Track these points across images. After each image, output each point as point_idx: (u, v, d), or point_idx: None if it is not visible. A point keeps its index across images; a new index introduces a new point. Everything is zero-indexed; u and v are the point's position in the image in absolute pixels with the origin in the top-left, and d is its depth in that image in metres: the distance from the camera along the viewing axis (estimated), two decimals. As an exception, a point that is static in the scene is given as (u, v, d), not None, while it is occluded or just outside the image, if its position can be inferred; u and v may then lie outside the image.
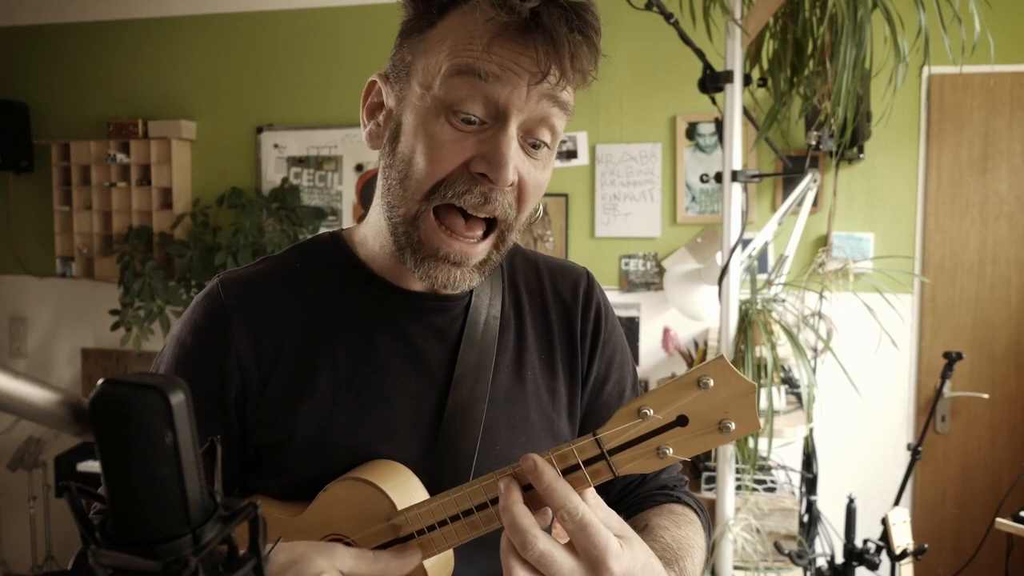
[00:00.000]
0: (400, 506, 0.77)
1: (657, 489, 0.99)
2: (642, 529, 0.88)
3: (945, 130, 2.94)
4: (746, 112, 2.00)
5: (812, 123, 2.31)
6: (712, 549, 1.88)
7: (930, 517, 3.00)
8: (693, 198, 3.11)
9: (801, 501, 2.39)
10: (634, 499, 0.98)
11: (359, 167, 3.36)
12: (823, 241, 2.97)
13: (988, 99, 2.91)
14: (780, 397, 2.29)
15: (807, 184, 2.48)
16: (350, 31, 3.34)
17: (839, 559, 2.25)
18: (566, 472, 0.71)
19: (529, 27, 0.73)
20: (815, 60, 1.81)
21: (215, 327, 0.85)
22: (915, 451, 2.36)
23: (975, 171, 2.93)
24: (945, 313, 2.98)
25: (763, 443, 1.86)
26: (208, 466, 0.41)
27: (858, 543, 2.18)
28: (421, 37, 0.79)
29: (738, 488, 2.04)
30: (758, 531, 1.96)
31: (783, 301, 2.06)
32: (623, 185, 3.14)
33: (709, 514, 1.04)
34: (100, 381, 0.39)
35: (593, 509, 0.69)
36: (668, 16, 1.75)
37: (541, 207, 3.19)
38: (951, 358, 2.42)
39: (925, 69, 2.85)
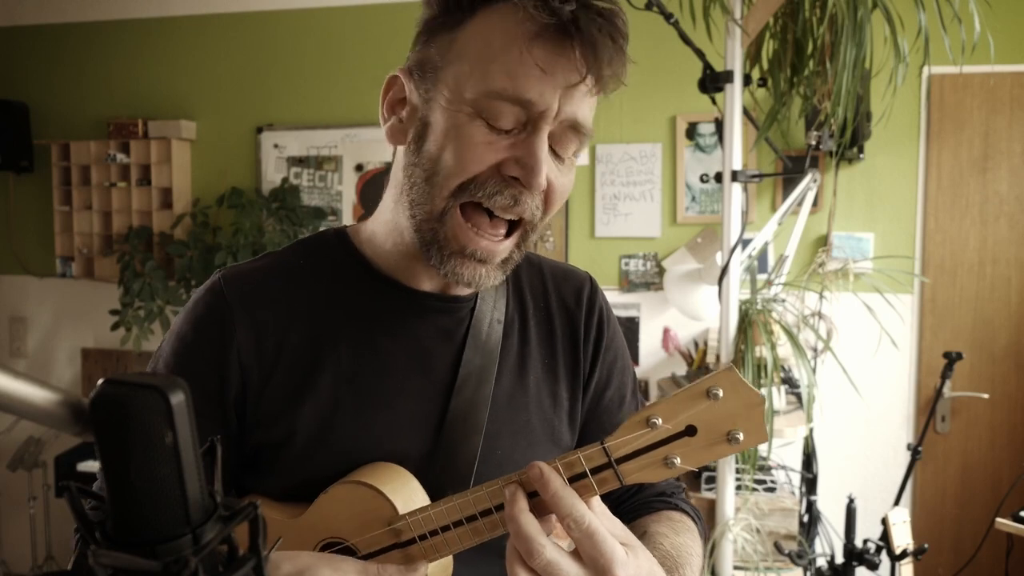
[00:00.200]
0: (402, 510, 0.77)
1: (655, 496, 0.99)
2: (641, 536, 0.87)
3: (945, 130, 2.94)
4: (746, 112, 2.00)
5: (812, 123, 2.31)
6: (712, 549, 1.88)
7: (930, 517, 3.00)
8: (693, 198, 3.11)
9: (801, 501, 2.39)
10: (631, 505, 0.98)
11: (359, 167, 3.36)
12: (823, 241, 2.97)
13: (988, 99, 2.91)
14: (780, 397, 2.29)
15: (807, 184, 2.48)
16: (350, 31, 3.34)
17: (839, 559, 2.25)
18: (572, 480, 0.70)
19: (568, 31, 0.73)
20: (815, 60, 1.81)
21: (217, 323, 0.83)
22: (915, 451, 2.36)
23: (975, 171, 2.93)
24: (945, 313, 2.98)
25: (763, 443, 1.85)
26: (208, 466, 0.41)
27: (858, 543, 2.18)
28: (451, 38, 0.78)
29: (738, 488, 2.04)
30: (758, 531, 1.96)
31: (783, 301, 2.06)
32: (623, 185, 3.14)
33: (706, 518, 1.05)
34: (100, 381, 0.39)
35: (599, 517, 0.69)
36: (668, 16, 1.75)
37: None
38: (951, 358, 2.42)
39: (925, 69, 2.85)
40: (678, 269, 2.83)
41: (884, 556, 2.09)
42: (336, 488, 0.80)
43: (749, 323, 1.87)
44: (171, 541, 0.39)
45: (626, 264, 3.16)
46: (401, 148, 0.83)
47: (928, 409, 2.64)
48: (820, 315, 2.53)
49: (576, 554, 0.67)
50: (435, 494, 0.83)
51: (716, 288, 1.92)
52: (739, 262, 1.92)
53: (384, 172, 3.32)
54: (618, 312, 3.16)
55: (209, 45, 3.47)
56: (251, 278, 0.87)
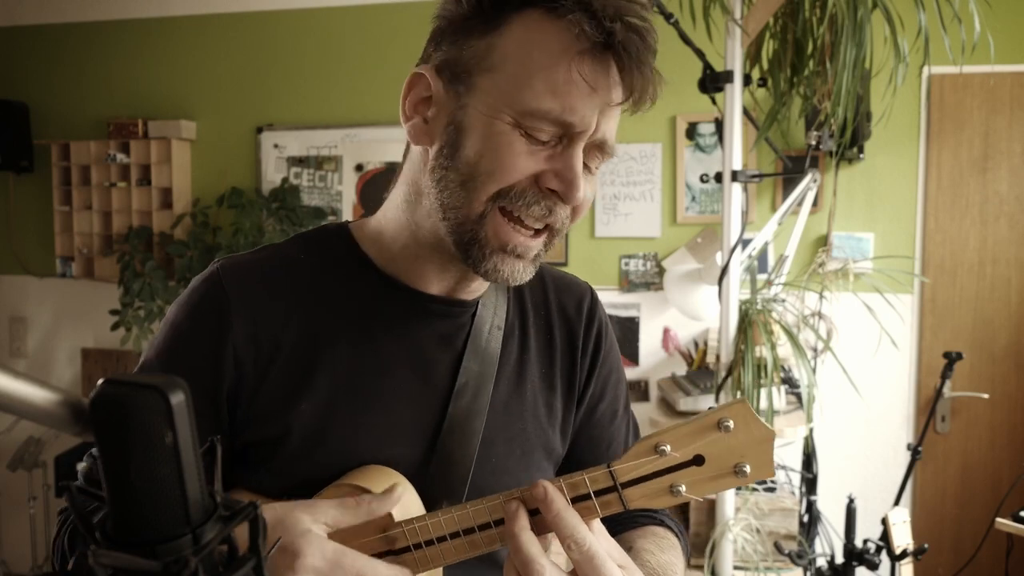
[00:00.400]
0: (397, 517, 0.76)
1: (640, 509, 0.99)
2: (627, 551, 0.88)
3: (945, 130, 2.94)
4: (746, 112, 2.00)
5: (812, 123, 2.31)
6: (712, 549, 1.88)
7: (930, 517, 3.00)
8: (693, 198, 3.11)
9: (801, 501, 2.39)
10: (616, 518, 0.99)
11: (359, 167, 3.36)
12: (823, 241, 2.97)
13: (988, 99, 2.91)
14: (780, 397, 2.29)
15: (807, 184, 2.48)
16: (350, 31, 3.34)
17: (839, 559, 2.25)
18: (575, 500, 0.70)
19: (615, 51, 0.73)
20: (815, 60, 1.81)
21: (214, 314, 0.82)
22: (915, 451, 2.36)
23: (975, 171, 2.93)
24: (945, 313, 2.98)
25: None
26: (208, 466, 0.41)
27: (858, 543, 2.18)
28: (487, 43, 0.76)
29: (738, 488, 2.04)
30: (758, 531, 1.96)
31: (783, 301, 2.06)
32: (623, 185, 3.14)
33: (706, 518, 1.05)
34: (100, 381, 0.39)
35: (597, 538, 0.70)
36: (668, 16, 1.75)
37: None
38: (951, 358, 2.42)
39: (925, 69, 2.85)
40: (678, 269, 2.83)
41: (884, 556, 2.09)
42: (330, 491, 0.79)
43: (749, 323, 1.87)
44: (171, 541, 0.39)
45: (626, 264, 3.16)
46: (419, 148, 0.82)
47: (928, 409, 2.64)
48: (820, 315, 2.53)
49: (574, 574, 0.68)
50: (429, 500, 0.82)
51: (716, 288, 1.92)
52: (739, 262, 1.92)
53: (384, 172, 3.32)
54: (618, 312, 3.16)
55: (209, 45, 3.47)
56: (250, 270, 0.85)
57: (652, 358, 3.15)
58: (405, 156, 0.87)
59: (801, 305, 2.38)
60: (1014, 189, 2.91)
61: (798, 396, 2.44)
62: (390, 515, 0.76)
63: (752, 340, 1.86)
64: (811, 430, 2.31)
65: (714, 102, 1.87)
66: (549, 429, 0.93)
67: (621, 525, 0.96)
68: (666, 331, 3.08)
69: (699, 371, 2.69)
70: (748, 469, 0.67)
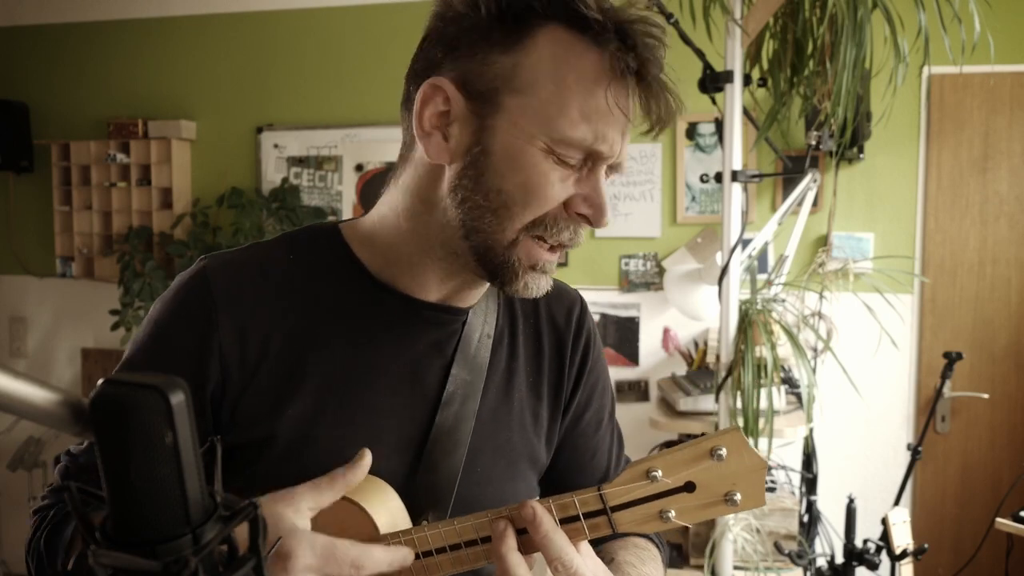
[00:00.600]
0: (383, 529, 0.75)
1: None
2: (608, 563, 0.87)
3: (945, 130, 2.94)
4: (746, 112, 2.00)
5: (812, 123, 2.31)
6: (712, 549, 1.88)
7: (930, 517, 3.00)
8: (693, 198, 3.11)
9: (801, 501, 2.39)
10: None
11: (359, 167, 3.36)
12: (823, 241, 2.97)
13: (988, 99, 2.91)
14: (780, 397, 2.29)
15: (807, 184, 2.48)
16: (350, 31, 3.34)
17: (839, 559, 2.25)
18: (564, 521, 0.71)
19: (644, 77, 0.74)
20: (815, 60, 1.81)
21: (200, 316, 0.80)
22: (915, 451, 2.36)
23: (975, 171, 2.93)
24: (945, 313, 2.98)
25: (763, 443, 1.86)
26: (208, 466, 0.41)
27: (858, 543, 2.18)
28: (513, 62, 0.74)
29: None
30: (758, 531, 1.96)
31: (783, 301, 2.06)
32: (623, 185, 3.13)
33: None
34: (100, 381, 0.39)
35: (584, 559, 0.70)
36: (668, 16, 1.75)
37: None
38: (951, 358, 2.42)
39: (925, 69, 2.85)
40: (678, 269, 2.83)
41: (884, 556, 2.09)
42: None
43: (749, 323, 1.87)
44: (171, 541, 0.39)
45: (626, 264, 3.16)
46: (427, 159, 0.79)
47: (928, 409, 2.64)
48: (820, 315, 2.53)
49: None
50: (415, 509, 0.82)
51: (716, 288, 1.92)
52: (739, 262, 1.92)
53: (384, 172, 3.32)
54: (618, 312, 3.16)
55: (209, 45, 3.47)
56: (238, 269, 0.83)
57: (652, 358, 3.15)
58: (403, 160, 0.84)
59: (801, 305, 2.38)
60: (1014, 189, 2.91)
61: (798, 396, 2.44)
62: (376, 527, 0.75)
63: (752, 340, 1.86)
64: (811, 430, 2.31)
65: (714, 102, 1.87)
66: (534, 438, 0.92)
67: None
68: (666, 331, 3.08)
69: (699, 371, 2.69)
70: (739, 498, 0.68)
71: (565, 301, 0.97)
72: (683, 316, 2.89)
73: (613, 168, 0.80)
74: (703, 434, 0.72)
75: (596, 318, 3.18)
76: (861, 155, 2.90)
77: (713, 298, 2.30)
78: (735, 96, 1.83)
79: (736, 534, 1.89)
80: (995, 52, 1.90)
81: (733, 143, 1.85)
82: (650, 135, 0.78)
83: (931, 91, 2.93)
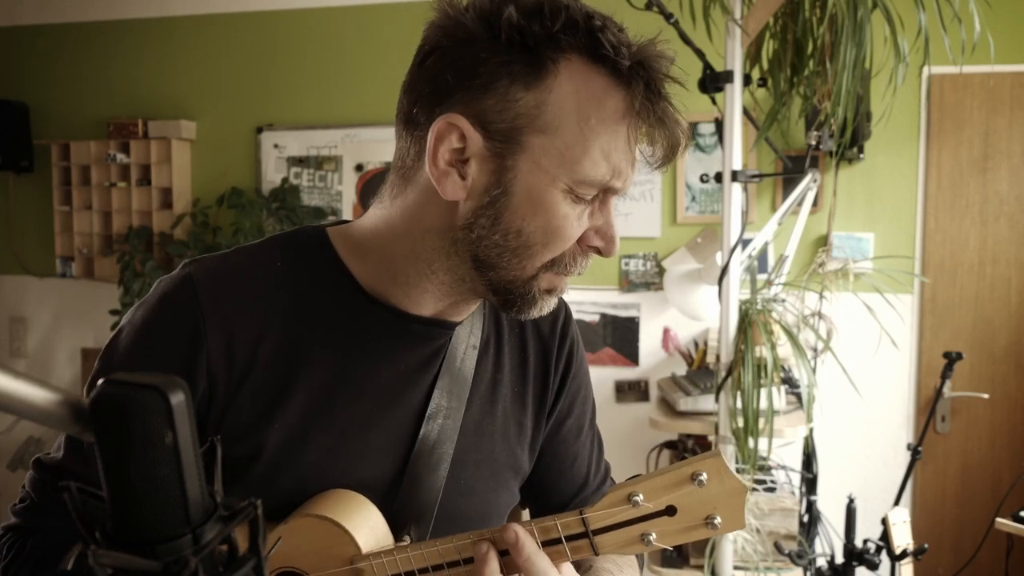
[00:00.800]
0: (365, 549, 0.75)
1: None
2: (586, 571, 0.88)
3: (945, 130, 2.94)
4: (746, 112, 2.00)
5: (812, 123, 2.31)
6: (712, 549, 1.88)
7: (930, 517, 3.00)
8: (693, 198, 3.11)
9: (801, 501, 2.39)
10: None
11: (359, 167, 3.36)
12: (823, 241, 2.97)
13: (988, 99, 2.91)
14: (780, 397, 2.29)
15: (807, 184, 2.48)
16: (350, 31, 3.34)
17: (839, 559, 2.25)
18: (546, 544, 0.72)
19: (661, 118, 0.74)
20: (815, 60, 1.81)
21: (187, 325, 0.77)
22: (915, 451, 2.36)
23: (975, 171, 2.93)
24: (945, 313, 2.98)
25: (763, 443, 1.86)
26: (208, 466, 0.41)
27: (858, 543, 2.18)
28: (536, 100, 0.71)
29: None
30: (758, 531, 1.96)
31: (783, 301, 2.06)
32: (623, 185, 3.13)
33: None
34: (100, 381, 0.39)
35: None
36: (668, 16, 1.75)
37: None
38: (951, 358, 2.41)
39: (925, 69, 2.85)
40: (678, 269, 2.83)
41: (884, 556, 2.09)
42: (298, 520, 0.77)
43: (749, 323, 1.87)
44: (171, 541, 0.39)
45: (626, 264, 3.16)
46: (434, 189, 0.76)
47: (928, 409, 2.64)
48: (820, 315, 2.53)
49: None
50: (397, 524, 0.82)
51: (716, 288, 1.92)
52: (739, 262, 1.92)
53: (384, 172, 3.32)
54: (618, 312, 3.16)
55: (209, 45, 3.47)
56: (226, 277, 0.80)
57: (652, 358, 3.15)
58: (402, 178, 0.80)
59: (801, 305, 2.38)
60: (1014, 189, 2.91)
61: (798, 396, 2.44)
62: (358, 546, 0.75)
63: (752, 340, 1.86)
64: (811, 430, 2.31)
65: (714, 102, 1.87)
66: (517, 448, 0.92)
67: None
68: (666, 331, 3.08)
69: (699, 371, 2.69)
70: (719, 521, 0.69)
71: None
72: (683, 316, 2.89)
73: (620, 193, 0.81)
74: (703, 447, 0.73)
75: (596, 318, 3.18)
76: (861, 155, 2.90)
77: (713, 298, 2.30)
78: (735, 96, 1.83)
79: (736, 534, 1.89)
80: (995, 52, 1.90)
81: (733, 143, 1.85)
82: (661, 168, 0.78)
83: (931, 91, 2.93)
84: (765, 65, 1.94)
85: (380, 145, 3.31)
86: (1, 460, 3.53)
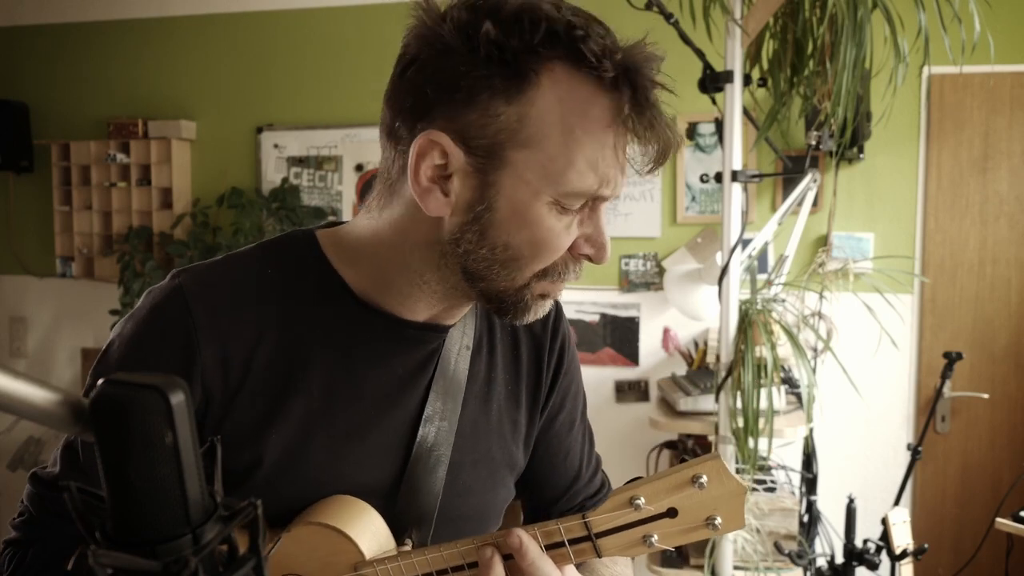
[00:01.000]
0: (368, 555, 0.76)
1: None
2: (580, 565, 0.88)
3: (945, 130, 2.94)
4: (746, 112, 2.00)
5: (812, 123, 2.31)
6: (712, 549, 1.88)
7: (930, 517, 3.00)
8: (693, 198, 3.11)
9: (801, 501, 2.39)
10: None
11: (359, 167, 3.36)
12: (823, 241, 2.97)
13: (988, 99, 2.91)
14: (780, 397, 2.29)
15: (807, 184, 2.48)
16: (350, 31, 3.34)
17: (839, 559, 2.25)
18: (550, 547, 0.73)
19: (650, 123, 0.72)
20: (815, 60, 1.81)
21: (180, 336, 0.76)
22: (915, 451, 2.36)
23: (975, 171, 2.93)
24: (945, 313, 2.98)
25: (763, 443, 1.86)
26: (208, 466, 0.41)
27: (858, 543, 2.18)
28: (517, 113, 0.69)
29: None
30: (758, 531, 1.96)
31: (783, 301, 2.06)
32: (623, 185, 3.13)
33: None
34: (100, 381, 0.39)
35: None
36: (668, 16, 1.75)
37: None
38: (951, 358, 2.41)
39: (925, 69, 2.85)
40: (678, 269, 2.83)
41: (884, 556, 2.09)
42: (300, 528, 0.77)
43: (749, 323, 1.87)
44: (171, 541, 0.39)
45: (626, 264, 3.16)
46: (417, 203, 0.75)
47: (928, 409, 2.64)
48: (820, 315, 2.53)
49: None
50: (398, 526, 0.82)
51: (716, 288, 1.92)
52: (739, 262, 1.92)
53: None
54: (618, 312, 3.16)
55: (209, 45, 3.46)
56: (217, 286, 0.79)
57: (652, 358, 3.15)
58: (388, 190, 0.79)
59: (801, 305, 2.38)
60: (1014, 189, 2.91)
61: (798, 396, 2.44)
62: (361, 553, 0.76)
63: (752, 340, 1.86)
64: (811, 430, 2.31)
65: (714, 102, 1.87)
66: (512, 445, 0.93)
67: None
68: (666, 331, 3.08)
69: (699, 371, 2.69)
70: (719, 522, 0.70)
71: None
72: (683, 316, 2.89)
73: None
74: (703, 447, 0.74)
75: (596, 318, 3.18)
76: (861, 155, 2.90)
77: (713, 298, 2.30)
78: (735, 96, 1.83)
79: (736, 534, 1.89)
80: (995, 52, 1.90)
81: (733, 143, 1.85)
82: (652, 173, 0.77)
83: (931, 91, 2.93)
84: (765, 65, 1.94)
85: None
86: (1, 460, 3.53)
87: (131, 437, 0.38)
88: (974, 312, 2.96)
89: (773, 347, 1.85)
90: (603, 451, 1.09)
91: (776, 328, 1.92)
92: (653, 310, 3.14)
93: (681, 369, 2.85)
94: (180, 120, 3.41)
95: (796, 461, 2.52)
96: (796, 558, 2.10)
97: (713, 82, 1.83)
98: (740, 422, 1.86)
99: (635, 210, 3.13)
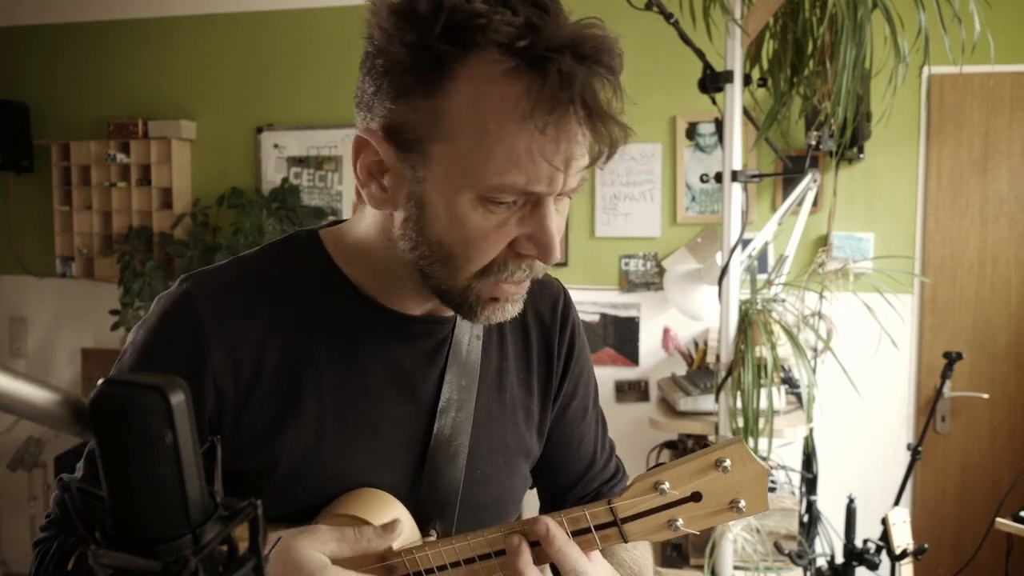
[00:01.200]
0: (395, 546, 0.77)
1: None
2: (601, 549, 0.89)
3: (945, 130, 2.94)
4: (746, 112, 2.00)
5: (812, 123, 2.31)
6: (712, 549, 1.88)
7: (930, 517, 3.00)
8: (693, 198, 3.11)
9: (801, 501, 2.39)
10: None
11: (359, 167, 3.35)
12: (823, 241, 2.97)
13: (988, 99, 2.91)
14: (780, 397, 2.29)
15: (807, 184, 2.48)
16: (350, 31, 3.33)
17: (839, 559, 2.25)
18: (576, 534, 0.74)
19: (578, 105, 0.65)
20: (815, 60, 1.81)
21: (189, 341, 0.77)
22: (915, 451, 2.36)
23: (975, 171, 2.93)
24: (945, 313, 2.98)
25: (763, 443, 1.86)
26: (208, 466, 0.41)
27: (858, 543, 2.18)
28: (434, 106, 0.68)
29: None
30: (758, 531, 1.96)
31: (783, 301, 2.06)
32: (623, 185, 3.13)
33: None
34: (100, 381, 0.39)
35: (596, 567, 0.73)
36: (668, 16, 1.75)
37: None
38: (951, 358, 2.42)
39: (925, 69, 2.85)
40: (678, 269, 2.82)
41: (884, 556, 2.09)
42: (326, 521, 0.78)
43: (749, 323, 1.87)
44: (171, 541, 0.39)
45: (626, 264, 3.16)
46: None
47: (928, 409, 2.64)
48: (820, 315, 2.53)
49: None
50: (421, 519, 0.83)
51: (716, 288, 1.92)
52: (739, 262, 1.92)
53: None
54: (618, 312, 3.16)
55: (209, 45, 3.46)
56: (224, 290, 0.80)
57: (652, 358, 3.15)
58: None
59: (801, 305, 2.39)
60: (1014, 189, 2.91)
61: (798, 396, 2.44)
62: (389, 545, 0.77)
63: (752, 340, 1.86)
64: (811, 430, 2.31)
65: (714, 102, 1.87)
66: (527, 433, 0.93)
67: None
68: (666, 331, 3.08)
69: (699, 371, 2.69)
70: (743, 505, 0.71)
71: (549, 294, 0.97)
72: (683, 316, 2.89)
73: (569, 194, 0.74)
74: (703, 446, 0.74)
75: (596, 318, 3.18)
76: (861, 155, 2.90)
77: (713, 298, 2.30)
78: (735, 96, 1.83)
79: (736, 534, 1.89)
80: (995, 52, 1.90)
81: (733, 143, 1.85)
82: (593, 167, 0.71)
83: (931, 91, 2.93)
84: (765, 65, 1.94)
85: (380, 145, 3.31)
86: (1, 460, 3.53)
87: (131, 437, 0.38)
88: (974, 312, 2.96)
89: (773, 347, 1.85)
90: (603, 451, 1.09)
91: (776, 328, 1.92)
92: (653, 310, 3.14)
93: (681, 369, 2.85)
94: (180, 120, 3.41)
95: (796, 461, 2.52)
96: (796, 558, 2.10)
97: (713, 82, 1.83)
98: (740, 422, 1.86)
99: (635, 210, 3.13)
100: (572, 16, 0.69)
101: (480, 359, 0.88)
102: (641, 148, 3.12)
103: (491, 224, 0.71)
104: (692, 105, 3.01)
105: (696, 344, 3.05)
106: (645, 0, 1.70)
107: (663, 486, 0.71)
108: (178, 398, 0.38)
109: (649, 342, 3.15)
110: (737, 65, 1.82)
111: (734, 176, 1.85)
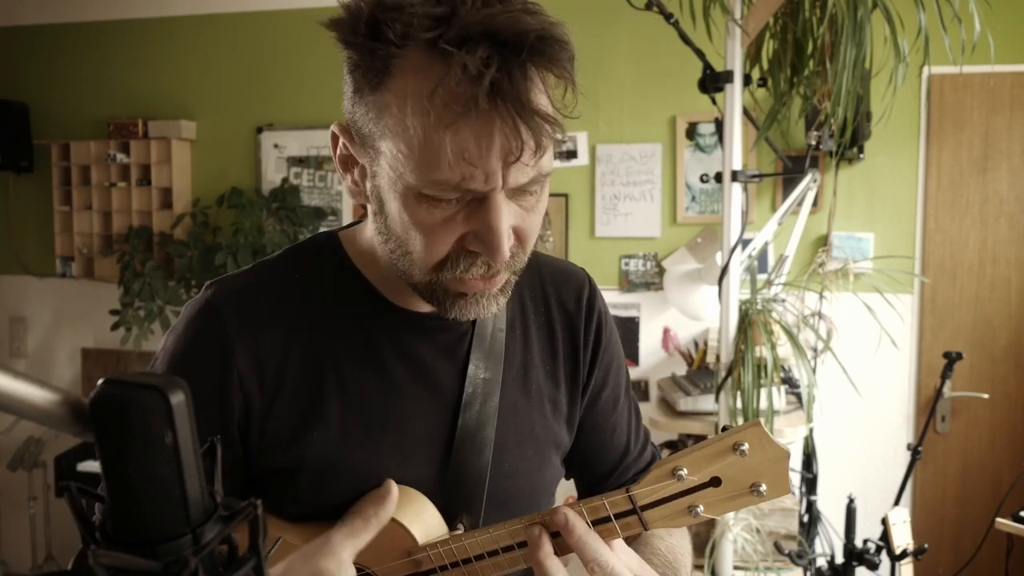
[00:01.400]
0: (421, 540, 0.78)
1: None
2: (636, 536, 0.88)
3: (945, 130, 2.94)
4: (746, 112, 2.00)
5: (812, 123, 2.31)
6: (712, 549, 1.88)
7: (930, 517, 3.00)
8: (693, 198, 3.11)
9: (801, 501, 2.39)
10: None
11: (359, 167, 3.35)
12: (823, 241, 2.97)
13: (988, 99, 2.91)
14: (780, 397, 2.29)
15: (807, 184, 2.47)
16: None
17: (839, 559, 2.25)
18: (596, 523, 0.73)
19: (495, 102, 0.63)
20: (815, 60, 1.81)
21: (215, 348, 0.79)
22: (915, 451, 2.36)
23: (975, 171, 2.93)
24: (945, 313, 2.98)
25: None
26: (208, 466, 0.41)
27: (858, 543, 2.18)
28: (376, 102, 0.68)
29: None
30: (758, 531, 1.96)
31: (783, 301, 2.06)
32: (623, 185, 3.13)
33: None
34: (100, 381, 0.39)
35: (618, 555, 0.73)
36: (668, 16, 1.75)
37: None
38: (951, 358, 2.42)
39: (925, 69, 2.85)
40: (678, 269, 2.82)
41: (884, 556, 2.09)
42: (351, 519, 0.78)
43: (749, 323, 1.87)
44: (171, 541, 0.39)
45: (626, 264, 3.16)
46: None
47: (928, 409, 2.64)
48: (820, 315, 2.53)
49: None
50: (449, 512, 0.83)
51: (716, 288, 1.92)
52: (739, 262, 1.92)
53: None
54: (618, 312, 3.16)
55: (209, 45, 3.46)
56: (247, 296, 0.82)
57: (652, 358, 3.15)
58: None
59: (801, 305, 2.38)
60: (1014, 189, 2.91)
61: (798, 396, 2.44)
62: (414, 538, 0.78)
63: (752, 340, 1.86)
64: (811, 430, 2.31)
65: (714, 102, 1.87)
66: (555, 424, 0.93)
67: None
68: (666, 331, 3.08)
69: (699, 371, 2.69)
70: (764, 488, 0.70)
71: (573, 284, 0.96)
72: (683, 316, 2.89)
73: (527, 189, 0.70)
74: (713, 435, 0.74)
75: (596, 318, 3.17)
76: (861, 155, 2.90)
77: (713, 298, 2.30)
78: (735, 96, 1.83)
79: (736, 534, 1.89)
80: (995, 52, 1.90)
81: (733, 143, 1.85)
82: (538, 155, 0.67)
83: (931, 91, 2.93)
84: (765, 65, 1.94)
85: (380, 145, 3.31)
86: (1, 460, 3.53)
87: (131, 437, 0.38)
88: (974, 312, 2.96)
89: (773, 347, 1.85)
90: (603, 451, 1.09)
91: (776, 328, 1.92)
92: (653, 310, 3.14)
93: (681, 369, 2.85)
94: (180, 120, 3.41)
95: (796, 461, 2.52)
96: (796, 558, 2.10)
97: (713, 82, 1.83)
98: (740, 422, 1.86)
99: (635, 210, 3.13)
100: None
101: (504, 352, 0.88)
102: (641, 148, 3.12)
103: (436, 219, 0.70)
104: (692, 105, 3.01)
105: (696, 344, 3.05)
106: (645, 0, 1.70)
107: (681, 472, 0.70)
108: (178, 398, 0.38)
109: (649, 342, 3.15)
110: (737, 65, 1.82)
111: (734, 176, 1.85)
